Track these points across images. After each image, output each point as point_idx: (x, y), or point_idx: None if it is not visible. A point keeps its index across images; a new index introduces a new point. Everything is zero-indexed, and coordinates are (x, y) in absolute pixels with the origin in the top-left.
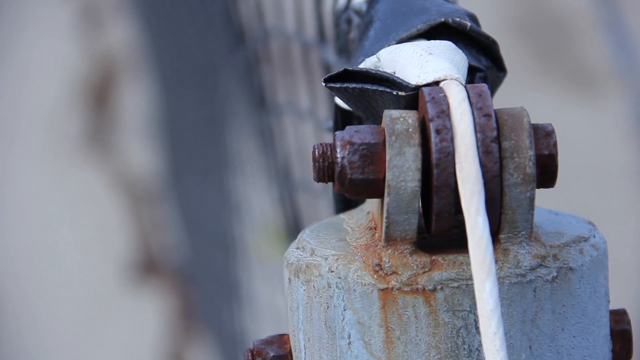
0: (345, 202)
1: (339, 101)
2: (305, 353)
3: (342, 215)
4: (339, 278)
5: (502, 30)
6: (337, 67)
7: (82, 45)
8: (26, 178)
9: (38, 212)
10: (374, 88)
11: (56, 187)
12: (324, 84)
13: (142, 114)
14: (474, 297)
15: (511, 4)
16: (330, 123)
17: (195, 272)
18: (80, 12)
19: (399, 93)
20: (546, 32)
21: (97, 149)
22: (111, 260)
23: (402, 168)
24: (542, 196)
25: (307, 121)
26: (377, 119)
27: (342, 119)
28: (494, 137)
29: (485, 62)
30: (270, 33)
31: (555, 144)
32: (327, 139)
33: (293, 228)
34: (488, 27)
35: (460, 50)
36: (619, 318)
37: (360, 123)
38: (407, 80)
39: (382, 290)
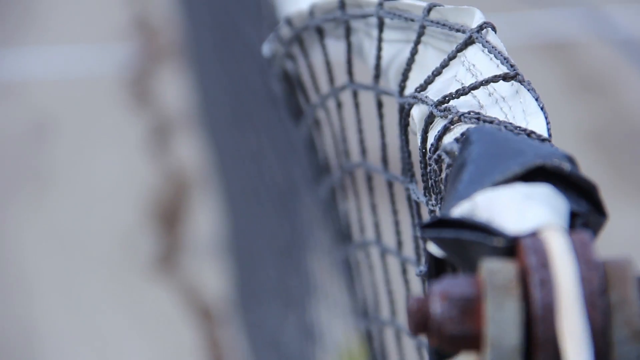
0: (441, 353)
1: (432, 248)
2: None
3: None
4: None
5: (579, 142)
6: (426, 205)
7: (152, 162)
8: (97, 297)
9: (108, 331)
10: (471, 239)
11: (127, 306)
12: (418, 234)
13: (213, 234)
14: None
15: (587, 116)
16: (423, 268)
17: None
18: (151, 129)
19: (497, 244)
20: (624, 145)
21: (168, 269)
22: None
23: (503, 323)
24: None
25: (394, 257)
26: (473, 267)
27: (436, 266)
28: (600, 290)
29: (586, 207)
30: (355, 167)
31: None
32: (415, 280)
33: None
34: (563, 140)
35: (560, 195)
36: None
37: (455, 271)
38: (505, 228)
39: None
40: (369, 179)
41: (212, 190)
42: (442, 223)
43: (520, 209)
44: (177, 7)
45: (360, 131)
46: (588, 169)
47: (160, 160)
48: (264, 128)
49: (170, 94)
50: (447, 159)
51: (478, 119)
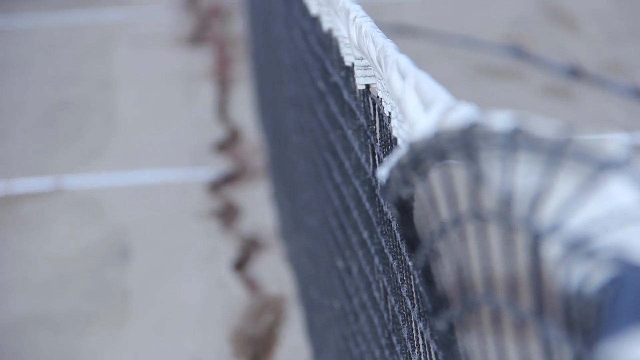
0: None
1: None
2: None
3: None
4: None
5: None
6: (569, 350)
7: (238, 285)
8: None
9: None
10: None
11: None
12: None
13: None
14: None
15: None
16: None
17: None
18: (236, 251)
19: None
20: None
21: None
22: None
23: None
24: None
25: None
26: None
27: None
28: None
29: None
30: (480, 302)
31: None
32: None
33: None
34: None
35: None
36: None
37: None
38: None
39: None
40: (496, 316)
41: (302, 319)
42: None
43: None
44: (264, 122)
45: (486, 263)
46: None
47: (246, 283)
48: (376, 252)
49: (258, 213)
50: (596, 303)
51: (626, 259)
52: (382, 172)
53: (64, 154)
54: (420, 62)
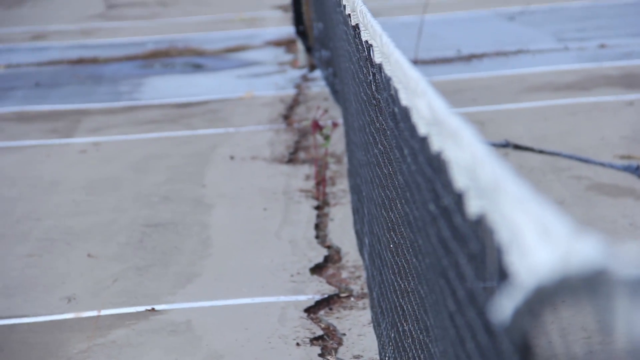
0: None
1: None
2: None
3: None
4: None
5: None
6: None
7: None
8: None
9: None
10: None
11: None
12: None
13: None
14: None
15: None
16: None
17: None
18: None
19: None
20: None
21: None
22: None
23: None
24: None
25: None
26: None
27: None
28: None
29: None
30: None
31: None
32: None
33: None
34: None
35: None
36: None
37: None
38: None
39: None
40: None
41: None
42: None
43: None
44: (365, 243)
45: None
46: None
47: None
48: None
49: (360, 340)
50: None
51: None
52: (506, 309)
53: (158, 278)
54: (530, 181)
